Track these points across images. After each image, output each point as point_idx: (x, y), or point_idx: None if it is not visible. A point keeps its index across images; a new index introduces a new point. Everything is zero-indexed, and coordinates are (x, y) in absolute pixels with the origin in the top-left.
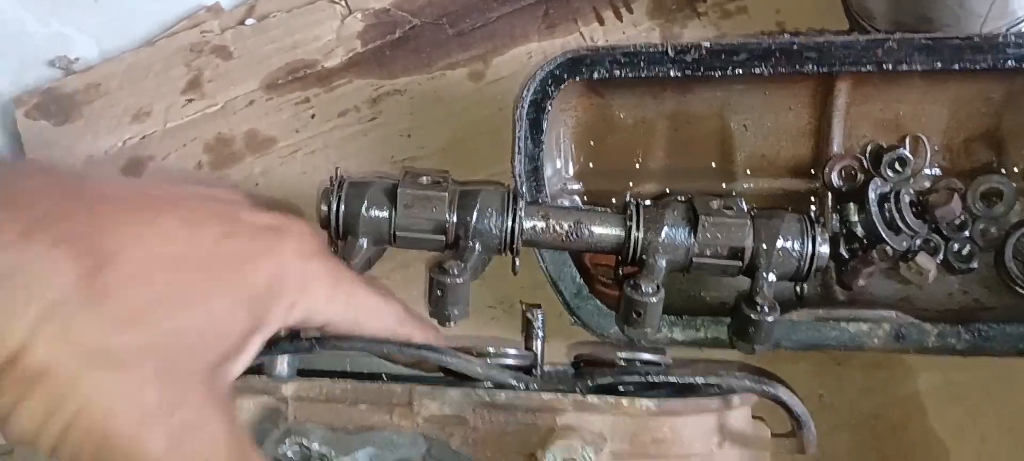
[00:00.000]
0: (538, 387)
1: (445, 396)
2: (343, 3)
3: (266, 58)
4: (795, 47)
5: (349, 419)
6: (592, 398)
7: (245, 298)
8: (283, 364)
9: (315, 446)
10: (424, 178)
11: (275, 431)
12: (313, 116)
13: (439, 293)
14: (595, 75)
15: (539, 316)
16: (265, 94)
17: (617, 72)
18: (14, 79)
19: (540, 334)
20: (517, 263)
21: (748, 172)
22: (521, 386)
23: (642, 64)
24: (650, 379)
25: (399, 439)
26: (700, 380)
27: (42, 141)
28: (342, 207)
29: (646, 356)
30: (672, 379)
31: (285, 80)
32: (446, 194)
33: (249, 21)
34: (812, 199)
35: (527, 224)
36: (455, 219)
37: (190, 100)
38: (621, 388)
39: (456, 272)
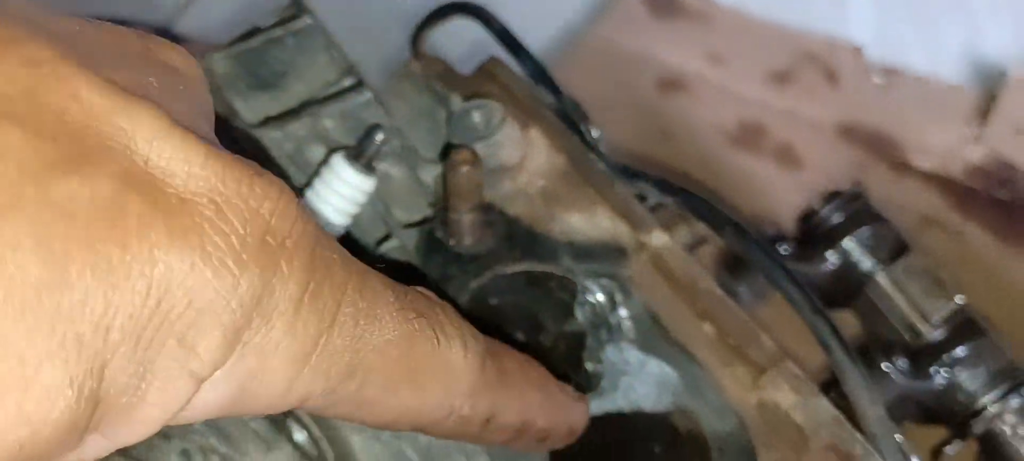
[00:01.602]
0: None
1: None
2: (975, 131)
3: (864, 109)
4: None
5: None
6: None
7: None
8: None
9: None
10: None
11: None
12: (857, 183)
13: None
14: None
15: None
16: (834, 131)
17: None
18: None
19: None
20: None
21: None
22: None
23: None
24: None
25: None
26: None
27: None
28: (836, 218)
29: None
30: None
31: (864, 136)
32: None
33: (876, 79)
34: None
35: None
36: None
37: (766, 83)
38: None
39: None
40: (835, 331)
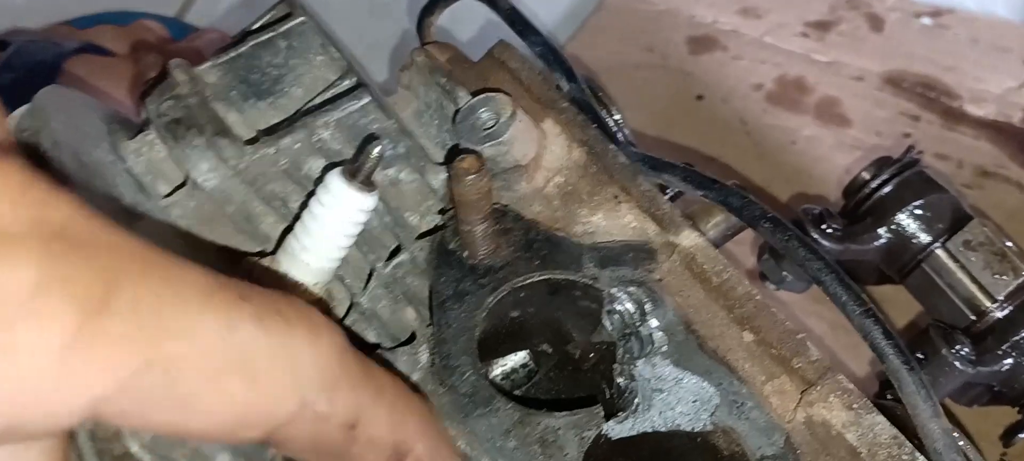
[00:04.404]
0: None
1: None
2: None
3: (911, 56)
4: None
5: None
6: None
7: None
8: None
9: None
10: (1008, 243)
11: None
12: (907, 135)
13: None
14: None
15: None
16: (882, 81)
17: None
18: None
19: None
20: None
21: None
22: None
23: None
24: None
25: None
26: None
27: None
28: (888, 190)
29: None
30: None
31: (912, 85)
32: None
33: (925, 20)
34: None
35: None
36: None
37: (805, 35)
38: None
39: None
40: (890, 335)
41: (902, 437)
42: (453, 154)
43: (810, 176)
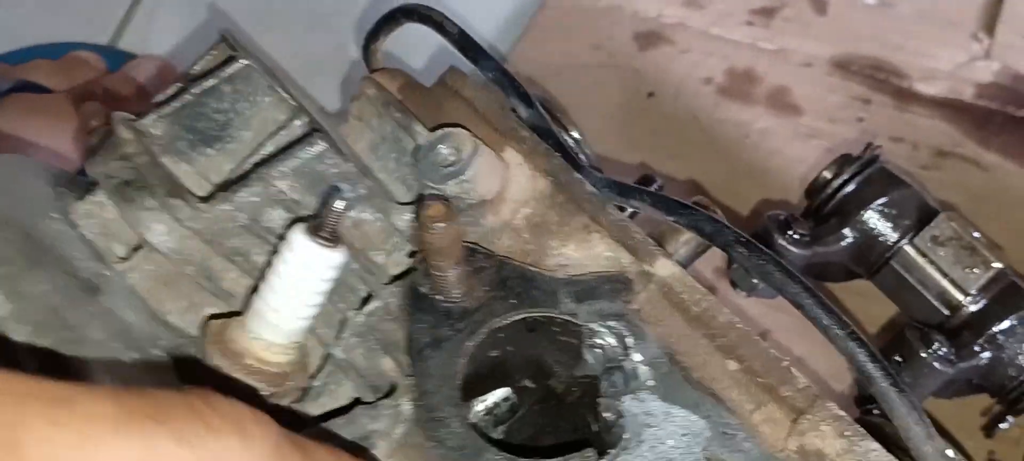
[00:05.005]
0: None
1: None
2: (985, 44)
3: (858, 38)
4: None
5: None
6: None
7: None
8: None
9: None
10: (976, 234)
11: None
12: (860, 120)
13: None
14: None
15: None
16: (831, 66)
17: None
18: None
19: None
20: None
21: None
22: None
23: None
24: None
25: None
26: None
27: None
28: (851, 188)
29: None
30: None
31: (861, 67)
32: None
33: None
34: None
35: None
36: (980, 308)
37: (750, 24)
38: None
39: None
40: (875, 357)
41: None
42: (418, 195)
43: (766, 170)
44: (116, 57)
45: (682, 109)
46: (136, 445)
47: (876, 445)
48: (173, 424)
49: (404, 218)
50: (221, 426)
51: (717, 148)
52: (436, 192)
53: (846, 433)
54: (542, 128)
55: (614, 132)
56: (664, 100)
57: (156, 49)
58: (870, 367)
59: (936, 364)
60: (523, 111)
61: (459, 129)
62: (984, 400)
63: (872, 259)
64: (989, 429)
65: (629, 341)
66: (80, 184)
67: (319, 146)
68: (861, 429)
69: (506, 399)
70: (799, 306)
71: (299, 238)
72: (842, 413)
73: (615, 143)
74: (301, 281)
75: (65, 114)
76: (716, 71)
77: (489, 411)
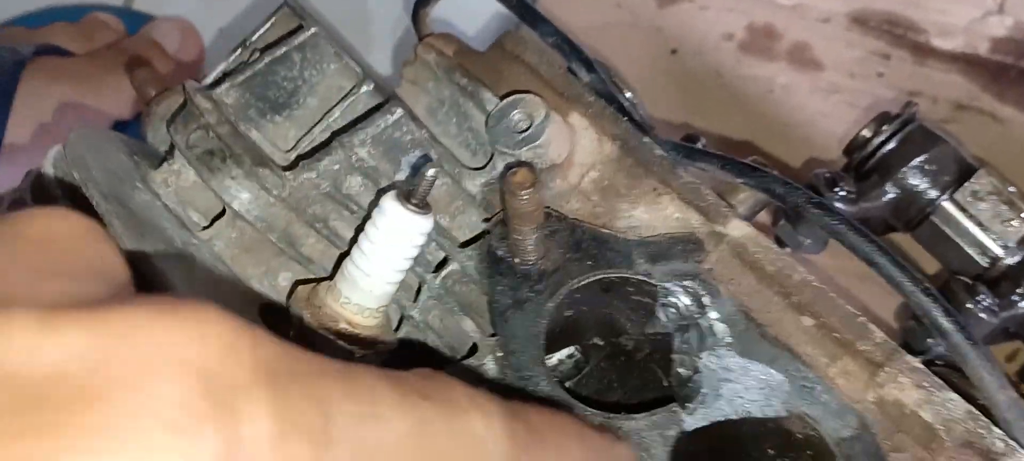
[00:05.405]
0: None
1: None
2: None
3: None
4: None
5: None
6: None
7: None
8: None
9: None
10: (1011, 188)
11: None
12: (881, 75)
13: None
14: None
15: None
16: (849, 22)
17: None
18: None
19: None
20: None
21: None
22: None
23: None
24: None
25: None
26: None
27: None
28: (892, 146)
29: None
30: None
31: (878, 23)
32: None
33: None
34: None
35: None
36: (1018, 260)
37: None
38: None
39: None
40: (949, 312)
41: (975, 411)
42: (491, 160)
43: (789, 124)
44: (134, 19)
45: (704, 66)
46: (411, 420)
47: (954, 395)
48: (436, 403)
49: (476, 183)
50: (469, 406)
51: (741, 104)
52: (511, 158)
53: (924, 384)
54: (607, 94)
55: (641, 90)
56: (686, 56)
57: (170, 10)
58: (944, 321)
59: (982, 315)
60: (584, 75)
61: (530, 95)
62: (1007, 346)
63: (912, 214)
64: (1023, 375)
65: (705, 300)
66: (148, 152)
67: (396, 114)
68: (938, 380)
69: (570, 356)
70: (872, 264)
71: (391, 204)
72: (919, 365)
73: (643, 101)
74: (392, 247)
75: (87, 76)
76: (736, 27)
77: (553, 368)
